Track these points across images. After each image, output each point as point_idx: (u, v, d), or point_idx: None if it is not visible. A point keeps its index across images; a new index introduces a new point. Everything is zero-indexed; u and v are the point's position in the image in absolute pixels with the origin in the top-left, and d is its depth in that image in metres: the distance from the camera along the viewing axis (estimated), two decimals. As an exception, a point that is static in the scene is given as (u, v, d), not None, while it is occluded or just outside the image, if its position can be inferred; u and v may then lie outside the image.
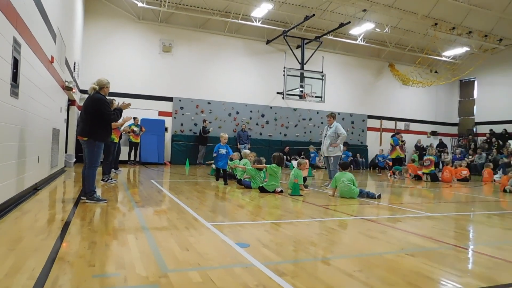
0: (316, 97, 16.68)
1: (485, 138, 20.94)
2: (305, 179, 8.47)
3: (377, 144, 21.32)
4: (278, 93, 17.19)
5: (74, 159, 12.84)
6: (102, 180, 8.16)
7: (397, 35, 19.42)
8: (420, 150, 20.03)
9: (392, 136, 15.13)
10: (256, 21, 17.27)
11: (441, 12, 17.00)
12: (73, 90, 11.09)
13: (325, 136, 9.50)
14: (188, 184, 8.86)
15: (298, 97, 16.85)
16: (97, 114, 5.54)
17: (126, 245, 3.36)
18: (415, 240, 4.03)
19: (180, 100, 17.25)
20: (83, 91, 14.42)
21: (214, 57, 17.90)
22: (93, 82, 5.75)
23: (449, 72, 21.35)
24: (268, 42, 18.81)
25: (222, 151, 8.88)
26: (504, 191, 10.04)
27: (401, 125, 22.37)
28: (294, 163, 9.99)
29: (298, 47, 18.42)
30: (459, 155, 18.97)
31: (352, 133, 20.45)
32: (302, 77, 16.84)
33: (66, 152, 12.13)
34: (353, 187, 7.30)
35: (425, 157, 13.74)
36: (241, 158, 10.05)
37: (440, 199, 8.46)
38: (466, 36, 18.73)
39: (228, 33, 18.13)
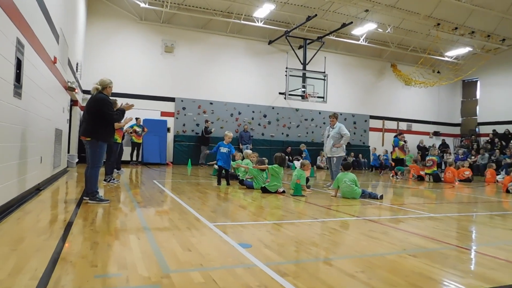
0: (318, 97, 16.69)
1: (487, 138, 20.88)
2: (307, 179, 8.46)
3: (379, 145, 21.30)
4: (280, 93, 17.22)
5: (77, 160, 12.88)
6: (105, 180, 8.18)
7: (399, 35, 19.40)
8: (423, 150, 19.99)
9: (394, 137, 15.11)
10: (258, 21, 17.28)
11: (443, 12, 16.97)
12: (76, 91, 11.12)
13: (327, 137, 9.48)
14: (190, 185, 8.86)
15: (300, 98, 16.85)
16: (99, 114, 5.54)
17: (128, 245, 3.36)
18: (417, 240, 4.02)
19: (182, 101, 17.27)
20: (85, 92, 14.47)
21: (216, 57, 17.93)
22: (95, 82, 5.76)
23: (452, 73, 21.31)
24: (270, 42, 18.82)
25: (224, 149, 8.62)
26: (507, 191, 10.00)
27: (403, 126, 22.33)
28: (297, 163, 9.99)
29: (300, 47, 18.43)
30: (462, 156, 18.92)
31: (354, 133, 20.44)
32: (304, 78, 16.85)
33: (68, 152, 12.16)
34: (355, 188, 7.29)
35: (427, 158, 13.71)
36: (243, 159, 10.04)
37: (442, 200, 8.44)
38: (469, 36, 18.69)
39: (230, 33, 18.15)
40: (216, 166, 9.62)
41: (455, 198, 8.82)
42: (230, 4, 16.40)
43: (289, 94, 16.42)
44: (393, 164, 14.76)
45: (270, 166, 7.92)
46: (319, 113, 19.74)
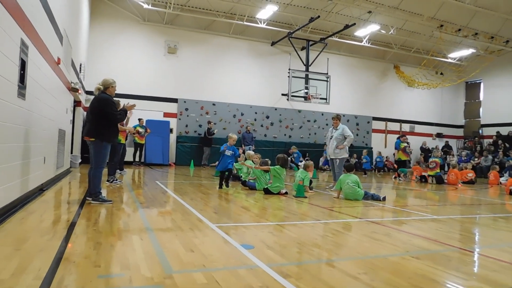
0: (321, 98, 16.66)
1: (491, 140, 20.81)
2: (310, 181, 8.45)
3: (382, 146, 21.26)
4: (283, 94, 17.20)
5: (80, 160, 12.92)
6: (107, 181, 8.20)
7: (403, 36, 19.36)
8: (426, 152, 19.94)
9: (397, 139, 15.07)
10: (261, 22, 17.29)
11: (446, 13, 16.93)
12: (79, 91, 11.16)
13: (330, 138, 9.44)
14: (193, 186, 8.87)
15: (303, 99, 16.83)
16: (102, 114, 5.55)
17: (131, 246, 3.37)
18: (420, 242, 4.01)
19: (185, 102, 17.30)
20: (88, 92, 14.52)
21: (219, 58, 17.95)
22: (98, 83, 5.78)
23: (455, 74, 21.25)
24: (273, 43, 18.83)
25: (229, 152, 8.38)
26: (510, 193, 9.96)
27: (406, 127, 22.28)
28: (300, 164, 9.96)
29: (303, 48, 18.43)
30: (465, 157, 18.86)
31: (357, 135, 20.40)
32: (307, 79, 16.83)
33: (71, 153, 12.20)
34: (358, 189, 7.28)
35: (430, 159, 13.68)
36: (245, 160, 10.04)
37: (445, 202, 8.41)
38: (472, 38, 18.63)
39: (233, 34, 18.17)
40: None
41: (458, 200, 8.79)
42: (233, 5, 16.42)
43: (292, 96, 16.40)
44: (395, 166, 14.73)
45: (272, 167, 7.92)
46: (322, 114, 19.73)
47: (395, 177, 14.08)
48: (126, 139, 9.69)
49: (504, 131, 20.52)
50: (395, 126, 22.01)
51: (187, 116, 17.35)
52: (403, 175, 13.88)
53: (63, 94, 9.01)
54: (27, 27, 4.92)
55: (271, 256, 3.23)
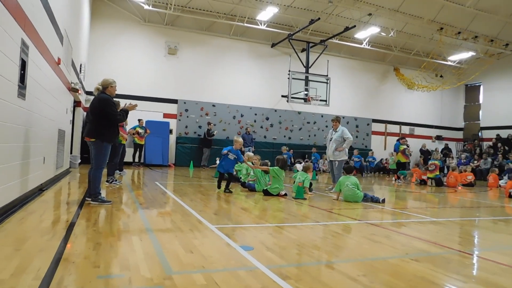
0: (320, 100, 16.69)
1: (490, 143, 20.82)
2: (310, 183, 8.45)
3: (382, 148, 21.27)
4: (282, 96, 17.22)
5: (79, 160, 12.91)
6: (107, 181, 8.19)
7: (403, 39, 19.40)
8: (425, 154, 19.95)
9: (396, 141, 15.09)
10: (261, 24, 17.31)
11: (447, 16, 16.96)
12: (79, 92, 11.16)
13: (330, 140, 9.46)
14: (192, 186, 8.87)
15: (302, 101, 16.85)
16: (103, 114, 5.55)
17: (131, 246, 3.37)
18: (419, 245, 4.01)
19: (185, 103, 17.31)
20: (88, 93, 14.51)
21: (219, 59, 17.97)
22: (98, 83, 5.77)
23: (455, 77, 21.29)
24: (273, 45, 18.85)
25: (232, 156, 7.97)
26: (510, 196, 9.96)
27: (406, 129, 22.30)
28: (299, 166, 9.97)
29: (303, 50, 18.46)
30: (464, 160, 18.87)
31: (357, 137, 20.41)
32: (307, 81, 16.86)
33: (71, 153, 12.19)
34: (357, 191, 7.28)
35: (430, 162, 13.68)
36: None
37: (444, 204, 8.42)
38: (472, 41, 18.67)
39: (233, 36, 18.19)
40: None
41: (457, 203, 8.80)
42: (234, 6, 16.44)
43: (292, 97, 16.42)
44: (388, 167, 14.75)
45: (271, 167, 7.91)
46: (322, 116, 19.73)
47: (395, 179, 14.09)
48: (126, 140, 9.69)
49: (504, 134, 20.56)
50: (394, 128, 22.04)
51: (187, 117, 17.35)
52: (402, 177, 13.89)
53: (63, 94, 9.01)
54: (28, 27, 4.92)
55: (270, 257, 3.23)
